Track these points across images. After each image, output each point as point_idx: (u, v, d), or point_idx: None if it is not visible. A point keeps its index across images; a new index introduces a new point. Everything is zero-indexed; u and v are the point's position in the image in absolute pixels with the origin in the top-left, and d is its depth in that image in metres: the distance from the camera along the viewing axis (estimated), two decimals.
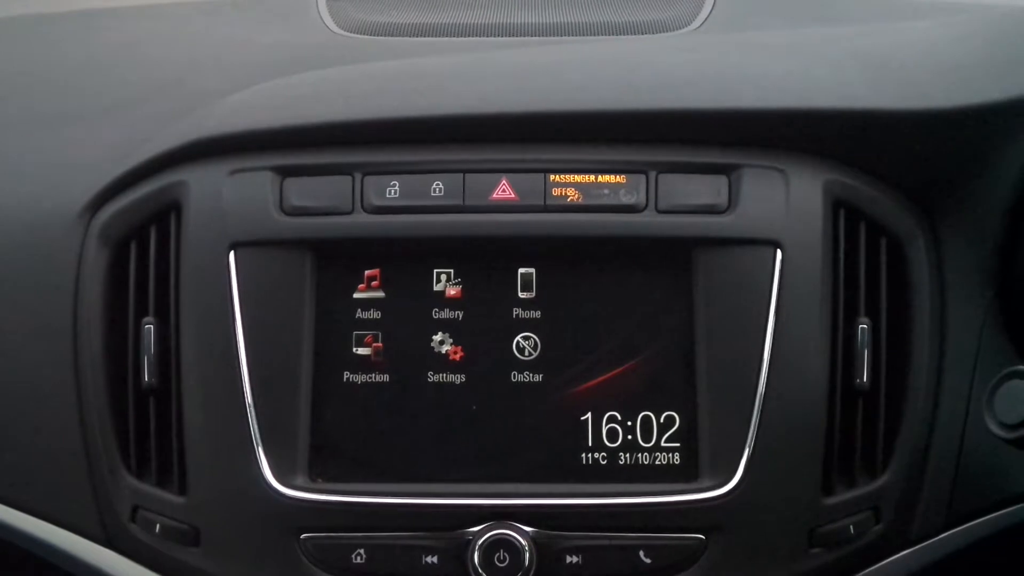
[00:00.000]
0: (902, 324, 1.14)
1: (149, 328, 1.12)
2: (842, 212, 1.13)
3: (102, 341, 1.13)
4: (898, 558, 1.15)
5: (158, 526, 1.11)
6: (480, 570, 1.06)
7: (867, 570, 1.15)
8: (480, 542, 1.07)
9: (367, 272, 1.12)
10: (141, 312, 1.13)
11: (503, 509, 1.08)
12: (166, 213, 1.13)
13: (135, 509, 1.13)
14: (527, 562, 1.06)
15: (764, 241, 1.10)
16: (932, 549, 1.15)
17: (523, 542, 1.06)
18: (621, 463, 1.10)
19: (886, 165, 1.14)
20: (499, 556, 1.06)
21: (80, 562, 1.15)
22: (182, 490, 1.11)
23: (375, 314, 1.11)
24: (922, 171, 1.14)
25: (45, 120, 1.22)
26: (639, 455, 1.10)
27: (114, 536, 1.15)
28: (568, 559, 1.07)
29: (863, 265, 1.13)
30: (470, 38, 1.27)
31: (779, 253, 1.09)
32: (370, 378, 1.11)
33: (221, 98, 1.16)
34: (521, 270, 1.12)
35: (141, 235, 1.14)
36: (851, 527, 1.11)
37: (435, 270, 1.12)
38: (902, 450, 1.13)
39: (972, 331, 1.15)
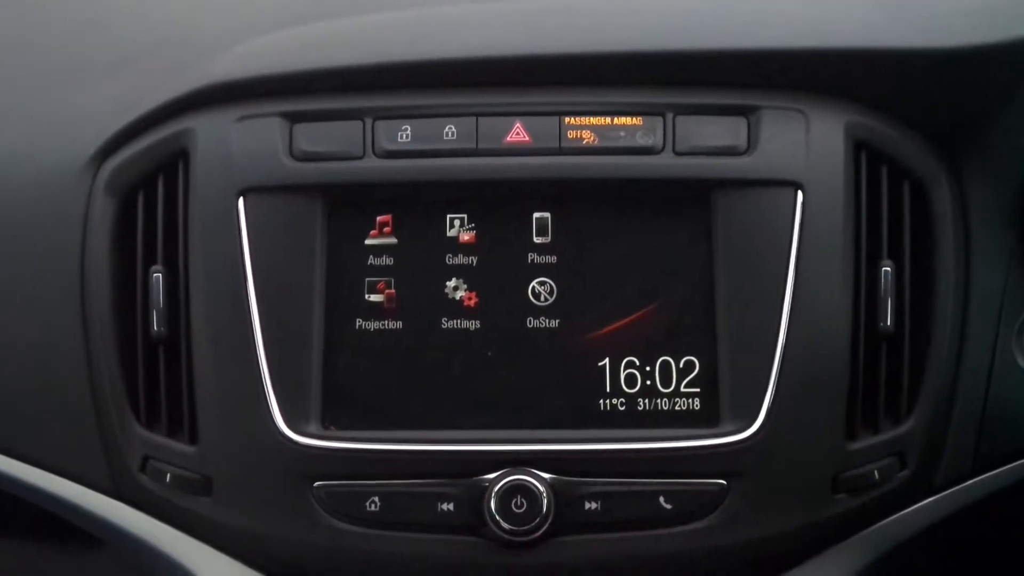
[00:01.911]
0: (926, 267, 1.12)
1: (158, 277, 1.10)
2: (864, 154, 1.11)
3: (110, 291, 1.11)
4: (924, 505, 1.13)
5: (168, 476, 1.10)
6: (497, 517, 1.04)
7: (892, 517, 1.13)
8: (497, 488, 1.04)
9: (379, 218, 1.10)
10: (149, 261, 1.11)
11: (520, 455, 1.06)
12: (173, 161, 1.12)
13: (145, 460, 1.11)
14: (545, 508, 1.04)
15: (785, 182, 1.07)
16: (958, 496, 1.13)
17: (541, 488, 1.04)
18: (640, 409, 1.08)
19: (908, 106, 1.12)
20: (516, 502, 1.04)
21: (89, 514, 1.14)
22: (193, 440, 1.10)
23: (387, 260, 1.09)
24: (945, 112, 1.12)
25: (51, 76, 1.21)
26: (658, 401, 1.08)
27: (123, 487, 1.13)
28: (587, 505, 1.05)
29: (886, 208, 1.11)
30: None
31: (800, 195, 1.07)
32: (383, 325, 1.09)
33: (228, 49, 1.14)
34: (536, 214, 1.09)
35: (148, 185, 1.12)
36: (875, 473, 1.09)
37: (448, 215, 1.10)
38: (927, 395, 1.10)
39: (997, 273, 1.13)
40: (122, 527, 1.14)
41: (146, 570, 1.18)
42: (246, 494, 1.08)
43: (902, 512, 1.13)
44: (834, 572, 1.12)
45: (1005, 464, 1.13)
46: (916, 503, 1.13)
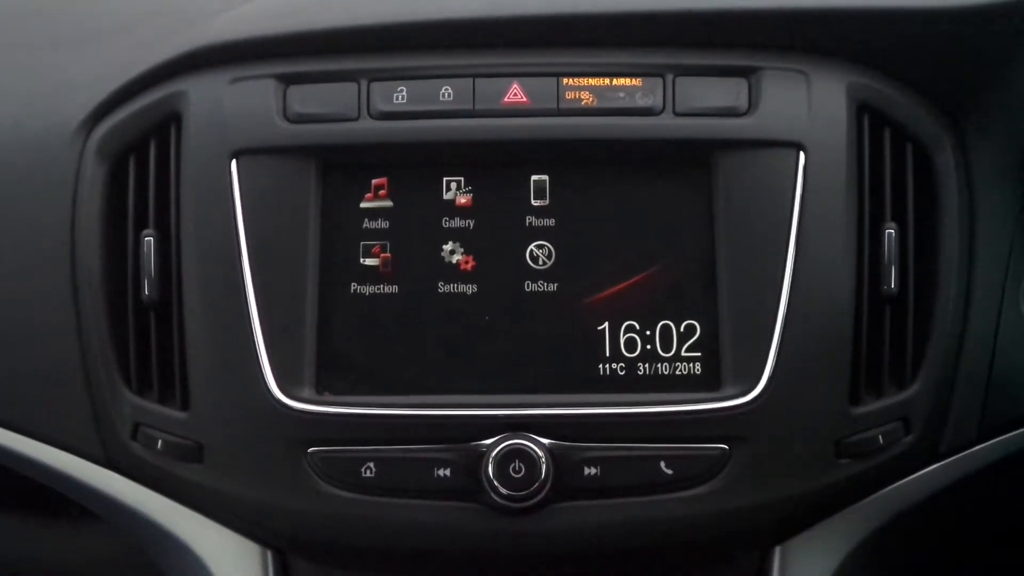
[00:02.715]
0: (930, 230, 1.10)
1: (149, 241, 1.08)
2: (866, 117, 1.09)
3: (101, 256, 1.10)
4: (929, 471, 1.11)
5: (160, 442, 1.08)
6: (495, 482, 1.02)
7: (897, 483, 1.11)
8: (494, 453, 1.02)
9: (374, 181, 1.08)
10: (140, 225, 1.10)
11: (518, 420, 1.04)
12: (165, 125, 1.10)
13: (136, 427, 1.09)
14: (543, 474, 1.02)
15: (786, 143, 1.06)
16: (964, 462, 1.11)
17: (539, 453, 1.02)
18: (640, 373, 1.06)
19: (911, 68, 1.10)
20: (514, 467, 1.02)
21: (79, 484, 1.12)
22: (184, 406, 1.08)
23: (383, 224, 1.08)
24: (947, 74, 1.11)
25: (42, 44, 1.19)
26: (659, 365, 1.06)
27: (114, 456, 1.11)
28: (586, 470, 1.03)
29: (889, 170, 1.09)
30: None
31: (802, 156, 1.06)
32: (378, 289, 1.07)
33: (221, 12, 1.13)
34: (534, 177, 1.08)
35: (140, 149, 1.11)
36: (880, 437, 1.07)
37: (444, 178, 1.08)
38: (931, 359, 1.09)
39: (1002, 237, 1.12)
40: (113, 497, 1.12)
41: (137, 541, 1.16)
42: (238, 460, 1.07)
43: (907, 478, 1.11)
44: (838, 539, 1.11)
45: (1011, 431, 1.11)
46: (921, 469, 1.11)
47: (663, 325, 1.06)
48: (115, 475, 1.11)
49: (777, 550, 1.11)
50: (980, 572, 1.32)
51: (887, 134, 1.10)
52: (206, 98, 1.08)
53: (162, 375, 1.09)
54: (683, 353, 1.06)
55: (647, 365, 1.06)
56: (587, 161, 1.08)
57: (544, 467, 1.02)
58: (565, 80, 1.07)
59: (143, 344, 1.09)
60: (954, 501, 1.13)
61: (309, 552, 1.12)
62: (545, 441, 1.03)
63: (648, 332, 1.06)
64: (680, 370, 1.06)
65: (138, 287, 1.09)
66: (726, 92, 1.07)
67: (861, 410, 1.07)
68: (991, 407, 1.11)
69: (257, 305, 1.05)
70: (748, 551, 1.12)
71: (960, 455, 1.11)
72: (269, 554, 1.12)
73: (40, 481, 1.15)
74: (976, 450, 1.11)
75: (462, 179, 1.08)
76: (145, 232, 1.09)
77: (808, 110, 1.07)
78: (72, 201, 1.11)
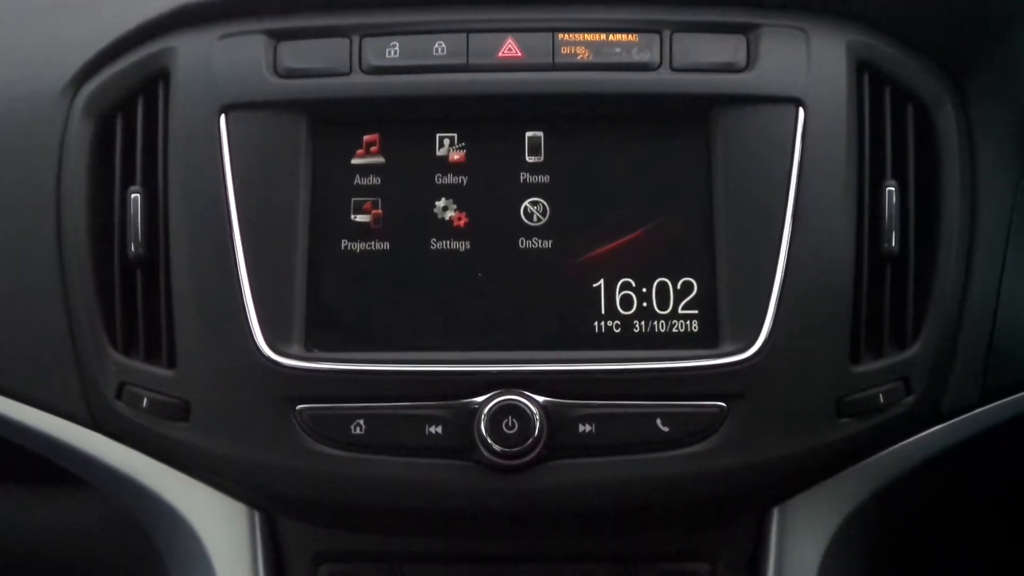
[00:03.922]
0: (931, 190, 1.09)
1: (136, 197, 1.07)
2: (866, 75, 1.08)
3: (87, 213, 1.08)
4: (930, 433, 1.09)
5: (145, 400, 1.06)
6: (487, 438, 1.00)
7: (898, 445, 1.09)
8: (487, 410, 1.00)
9: (366, 137, 1.06)
10: (128, 181, 1.08)
11: (511, 376, 1.02)
12: (153, 82, 1.09)
13: (121, 386, 1.07)
14: (537, 430, 1.00)
15: (786, 99, 1.05)
16: (965, 424, 1.10)
17: (533, 409, 1.00)
18: (636, 331, 1.04)
19: (911, 27, 1.09)
20: (507, 423, 1.00)
21: (63, 445, 1.10)
22: (171, 363, 1.06)
23: (374, 180, 1.06)
24: (949, 34, 1.09)
25: (29, 7, 1.17)
26: (655, 323, 1.04)
27: (99, 416, 1.09)
28: (581, 428, 1.01)
29: (889, 128, 1.08)
30: None
31: (801, 112, 1.04)
32: (369, 246, 1.05)
33: None
34: (528, 133, 1.06)
35: (128, 106, 1.09)
36: (880, 396, 1.05)
37: (438, 134, 1.06)
38: (933, 319, 1.07)
39: (1005, 199, 1.10)
40: (98, 458, 1.10)
41: (123, 505, 1.14)
42: (225, 418, 1.05)
43: (908, 440, 1.09)
44: (838, 500, 1.09)
45: (1013, 394, 1.10)
46: (922, 431, 1.09)
47: (659, 282, 1.05)
48: (100, 436, 1.09)
49: (775, 511, 1.09)
50: (980, 537, 1.31)
51: (887, 93, 1.08)
52: (195, 54, 1.07)
53: (148, 333, 1.07)
54: (680, 311, 1.04)
55: (643, 323, 1.04)
56: (583, 117, 1.06)
57: (538, 424, 1.00)
58: (560, 35, 1.06)
59: (129, 302, 1.07)
60: (955, 464, 1.11)
61: (297, 512, 1.10)
62: (539, 398, 1.01)
63: (644, 290, 1.05)
64: (677, 328, 1.04)
65: (124, 245, 1.07)
66: (724, 48, 1.06)
67: (861, 369, 1.05)
68: (993, 370, 1.09)
69: (245, 261, 1.03)
70: (746, 512, 1.10)
71: (961, 417, 1.10)
72: (257, 515, 1.10)
73: (24, 445, 1.13)
74: (977, 412, 1.10)
75: (455, 135, 1.06)
76: (132, 188, 1.07)
77: (807, 67, 1.05)
78: (58, 160, 1.09)
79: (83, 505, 1.22)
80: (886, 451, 1.09)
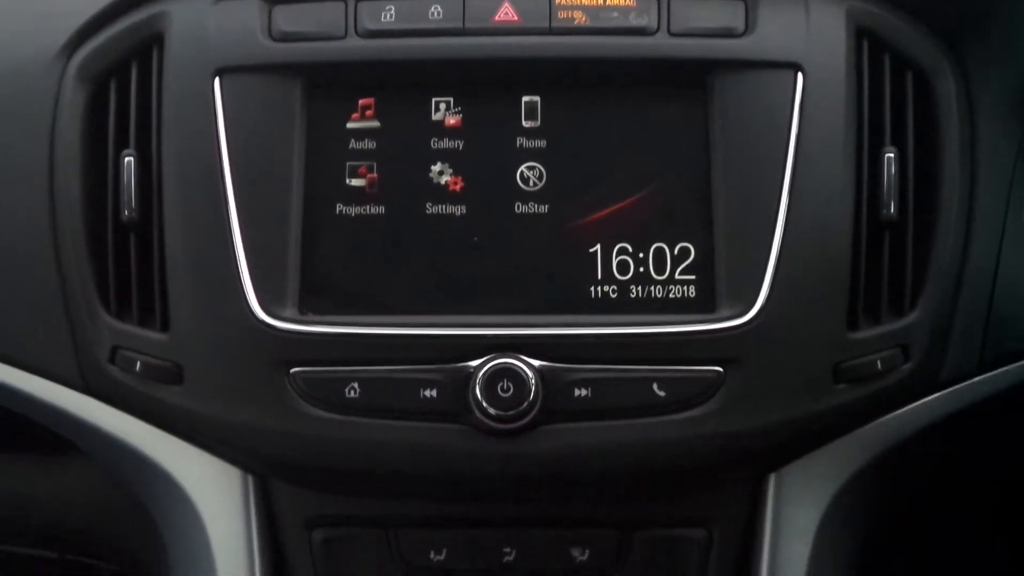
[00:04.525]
0: (930, 156, 1.08)
1: (129, 161, 1.06)
2: (866, 42, 1.07)
3: (80, 177, 1.08)
4: (928, 401, 1.09)
5: (138, 363, 1.05)
6: (482, 402, 0.99)
7: (895, 412, 1.08)
8: (482, 373, 1.00)
9: (361, 101, 1.06)
10: (121, 145, 1.07)
11: (506, 340, 1.01)
12: (147, 46, 1.08)
13: (114, 350, 1.06)
14: (532, 394, 0.99)
15: (784, 64, 1.04)
16: (963, 393, 1.09)
17: (528, 373, 1.00)
18: (632, 296, 1.04)
19: None
20: (502, 386, 0.99)
21: (56, 409, 1.10)
22: (164, 327, 1.05)
23: (370, 144, 1.05)
24: (948, 2, 1.09)
25: None
26: (652, 288, 1.04)
27: (91, 380, 1.08)
28: (576, 392, 1.01)
29: (888, 95, 1.07)
30: None
31: (800, 77, 1.04)
32: (364, 210, 1.05)
33: None
34: (525, 98, 1.06)
35: (121, 71, 1.08)
36: (878, 363, 1.05)
37: (433, 98, 1.06)
38: (931, 287, 1.07)
39: (1004, 165, 1.09)
40: (90, 423, 1.09)
41: (116, 470, 1.14)
42: (219, 381, 1.04)
43: (906, 408, 1.09)
44: (834, 467, 1.09)
45: (1012, 362, 1.09)
46: (920, 399, 1.09)
47: (656, 248, 1.04)
48: (93, 401, 1.09)
49: (772, 477, 1.08)
50: (977, 505, 1.30)
51: (887, 60, 1.07)
52: (189, 18, 1.06)
53: (141, 297, 1.06)
54: (677, 276, 1.04)
55: (640, 288, 1.04)
56: (580, 82, 1.05)
57: (533, 387, 0.99)
58: None
59: (122, 266, 1.07)
60: (953, 433, 1.11)
61: (291, 476, 1.09)
62: (534, 362, 1.00)
63: (641, 255, 1.04)
64: (674, 293, 1.04)
65: (118, 208, 1.06)
66: (722, 13, 1.05)
67: (859, 335, 1.05)
68: (992, 338, 1.08)
69: (239, 224, 1.02)
70: (743, 477, 1.09)
71: (959, 386, 1.09)
72: (250, 479, 1.09)
73: (17, 411, 1.12)
74: (976, 381, 1.09)
75: (451, 99, 1.05)
76: (125, 152, 1.06)
77: (806, 32, 1.04)
78: (51, 126, 1.08)
79: (79, 474, 1.22)
80: (884, 418, 1.08)
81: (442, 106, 1.05)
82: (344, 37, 1.04)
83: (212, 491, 1.09)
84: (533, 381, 0.99)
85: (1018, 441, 1.18)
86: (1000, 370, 1.09)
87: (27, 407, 1.11)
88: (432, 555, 1.09)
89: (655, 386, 1.01)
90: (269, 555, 1.09)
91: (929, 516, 1.28)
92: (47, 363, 1.09)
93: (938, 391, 1.09)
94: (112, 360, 1.07)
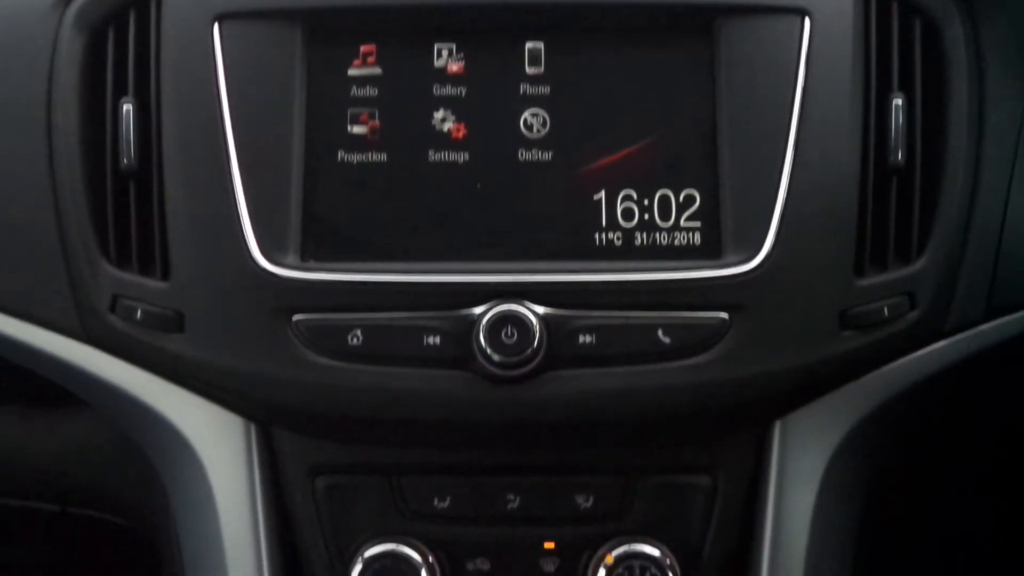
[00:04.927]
0: (938, 103, 1.07)
1: (128, 109, 1.05)
2: None
3: (78, 126, 1.06)
4: (934, 349, 1.08)
5: (139, 312, 1.04)
6: (486, 349, 0.99)
7: (901, 360, 1.08)
8: (486, 319, 0.99)
9: (362, 47, 1.04)
10: (119, 93, 1.06)
11: (510, 287, 1.00)
12: None
13: (114, 299, 1.05)
14: (536, 341, 0.99)
15: (791, 9, 1.03)
16: (970, 341, 1.08)
17: (532, 319, 0.99)
18: (637, 243, 1.03)
19: None
20: (506, 332, 0.98)
21: (57, 360, 1.09)
22: (165, 275, 1.04)
23: (371, 91, 1.04)
24: None
25: None
26: (657, 235, 1.03)
27: (92, 330, 1.07)
28: (581, 338, 1.00)
29: (896, 41, 1.06)
30: None
31: (807, 22, 1.02)
32: (366, 157, 1.04)
33: None
34: (528, 44, 1.04)
35: (119, 19, 1.07)
36: (885, 310, 1.04)
37: (436, 44, 1.04)
38: (938, 234, 1.06)
39: (1013, 113, 1.08)
40: (92, 372, 1.08)
41: (118, 421, 1.13)
42: (220, 329, 1.03)
43: (912, 356, 1.08)
44: (840, 415, 1.08)
45: (1018, 311, 1.08)
46: (926, 347, 1.08)
47: (661, 194, 1.03)
48: (94, 351, 1.08)
49: (777, 424, 1.08)
50: (981, 454, 1.30)
51: (894, 5, 1.06)
52: None
53: (141, 245, 1.05)
54: (682, 223, 1.03)
55: (645, 235, 1.03)
56: (584, 28, 1.04)
57: (537, 334, 0.99)
58: None
59: (122, 215, 1.06)
60: (959, 381, 1.10)
61: (293, 423, 1.08)
62: (539, 308, 1.00)
63: (646, 201, 1.03)
64: (679, 240, 1.03)
65: (117, 157, 1.05)
66: None
67: (865, 282, 1.04)
68: (999, 286, 1.08)
69: (240, 171, 1.01)
70: (748, 425, 1.09)
71: (966, 334, 1.08)
72: (252, 427, 1.09)
73: (16, 361, 1.11)
74: (982, 329, 1.08)
75: (454, 45, 1.04)
76: (124, 100, 1.05)
77: None
78: (49, 74, 1.07)
79: (81, 427, 1.21)
80: (889, 366, 1.08)
81: (444, 52, 1.04)
82: None
83: (214, 439, 1.08)
84: (537, 328, 0.99)
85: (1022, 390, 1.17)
86: (1006, 318, 1.08)
87: (27, 358, 1.10)
88: (436, 502, 1.08)
89: (660, 332, 1.00)
90: (272, 503, 1.09)
91: (934, 463, 1.28)
92: (47, 313, 1.08)
93: (944, 339, 1.08)
94: (112, 309, 1.06)
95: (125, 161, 1.04)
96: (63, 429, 1.23)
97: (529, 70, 1.04)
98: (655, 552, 1.07)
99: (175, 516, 1.12)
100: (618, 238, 1.03)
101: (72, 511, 1.36)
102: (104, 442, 1.20)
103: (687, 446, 1.09)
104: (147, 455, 1.13)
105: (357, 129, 1.04)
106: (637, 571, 1.06)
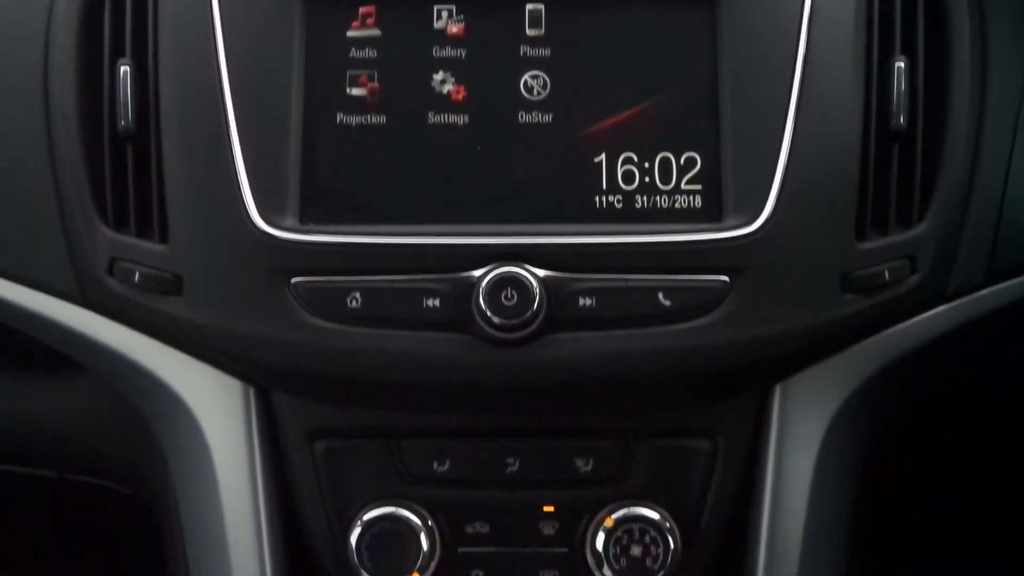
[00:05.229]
0: (941, 66, 1.06)
1: (125, 70, 1.04)
2: None
3: (75, 88, 1.06)
4: (935, 313, 1.08)
5: (137, 275, 1.03)
6: (486, 311, 0.98)
7: (902, 324, 1.08)
8: (486, 281, 0.98)
9: (361, 8, 1.03)
10: (116, 55, 1.05)
11: (510, 249, 1.00)
12: None
13: (112, 262, 1.05)
14: (536, 303, 0.98)
15: None
16: (971, 306, 1.08)
17: (532, 281, 0.98)
18: (638, 206, 1.02)
19: None
20: (506, 294, 0.98)
21: (55, 324, 1.08)
22: (163, 238, 1.04)
23: (370, 53, 1.03)
24: None
25: None
26: (657, 197, 1.02)
27: (90, 293, 1.07)
28: (581, 301, 0.99)
29: (899, 4, 1.05)
30: None
31: None
32: (365, 120, 1.03)
33: None
34: (529, 5, 1.04)
35: None
36: (886, 273, 1.03)
37: (435, 6, 1.04)
38: (939, 198, 1.05)
39: (1015, 75, 1.08)
40: (89, 336, 1.08)
41: (117, 386, 1.13)
42: (218, 291, 1.02)
43: (912, 320, 1.07)
44: (840, 379, 1.08)
45: (1020, 275, 1.08)
46: (927, 311, 1.08)
47: (662, 157, 1.03)
48: (91, 314, 1.07)
49: (778, 388, 1.08)
50: (980, 420, 1.30)
51: None
52: None
53: (139, 208, 1.05)
54: (683, 186, 1.02)
55: (645, 197, 1.02)
56: None
57: (537, 296, 0.98)
58: None
59: (119, 177, 1.05)
60: (959, 346, 1.10)
61: (292, 387, 1.08)
62: (539, 271, 0.99)
63: (647, 164, 1.02)
64: (680, 203, 1.02)
65: (114, 119, 1.04)
66: None
67: (867, 246, 1.03)
68: (1000, 251, 1.07)
69: (238, 133, 1.00)
70: (748, 388, 1.08)
71: (967, 298, 1.08)
72: (251, 391, 1.08)
73: (14, 326, 1.11)
74: (983, 294, 1.08)
75: (453, 7, 1.04)
76: (121, 61, 1.04)
77: None
78: (45, 36, 1.07)
79: (79, 392, 1.21)
80: (890, 330, 1.07)
81: (444, 14, 1.04)
82: None
83: (213, 403, 1.08)
84: (537, 290, 0.98)
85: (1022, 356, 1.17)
86: (1008, 283, 1.08)
87: (25, 322, 1.10)
88: (435, 466, 1.08)
89: (660, 295, 1.00)
90: (270, 467, 1.08)
91: (933, 427, 1.28)
92: (45, 276, 1.07)
93: (945, 303, 1.08)
94: (110, 272, 1.05)
95: (122, 124, 1.04)
96: (60, 394, 1.23)
97: (529, 32, 1.03)
98: (655, 515, 1.07)
99: (173, 481, 1.12)
100: (618, 201, 1.02)
101: (69, 477, 1.36)
102: (102, 407, 1.19)
103: (687, 410, 1.09)
104: (145, 420, 1.13)
105: (356, 91, 1.03)
106: (636, 534, 1.06)
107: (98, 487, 1.33)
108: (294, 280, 1.00)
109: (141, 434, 1.13)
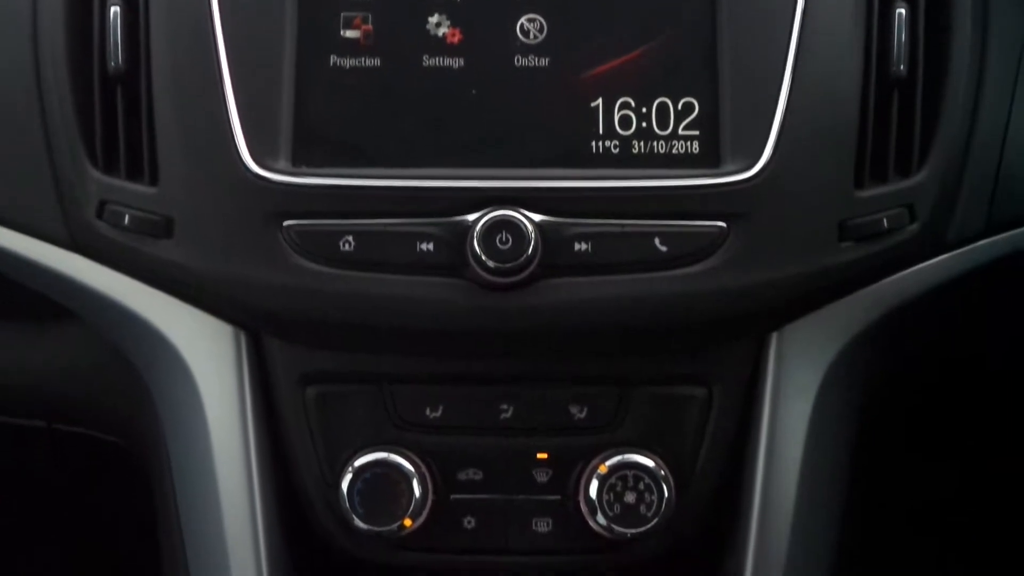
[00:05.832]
0: (942, 14, 1.05)
1: (115, 10, 1.02)
2: None
3: (64, 29, 1.04)
4: (934, 263, 1.07)
5: (127, 218, 1.02)
6: (480, 255, 0.97)
7: (901, 273, 1.07)
8: (480, 225, 0.97)
9: None
10: None
11: (506, 193, 0.98)
12: None
13: (102, 205, 1.04)
14: (531, 248, 0.97)
15: None
16: (969, 256, 1.07)
17: (528, 225, 0.97)
18: (635, 152, 1.01)
19: None
20: (501, 238, 0.97)
21: (43, 268, 1.07)
22: (153, 180, 1.02)
23: None
24: None
25: None
26: (654, 143, 1.01)
27: (79, 237, 1.06)
28: (577, 246, 0.98)
29: None
30: None
31: None
32: (359, 62, 1.01)
33: None
34: None
35: None
36: (884, 221, 1.02)
37: None
38: (939, 146, 1.04)
39: (1016, 22, 1.07)
40: (78, 280, 1.07)
41: (107, 332, 1.12)
42: (210, 234, 1.01)
43: (911, 269, 1.07)
44: (837, 327, 1.07)
45: (1020, 226, 1.07)
46: (926, 260, 1.07)
47: (660, 102, 1.01)
48: (80, 258, 1.06)
49: (774, 336, 1.07)
50: (975, 371, 1.29)
51: None
52: None
53: (130, 151, 1.03)
54: (680, 131, 1.01)
55: (642, 143, 1.01)
56: None
57: (532, 240, 0.97)
58: None
59: (110, 119, 1.04)
60: (957, 295, 1.09)
61: (284, 331, 1.07)
62: (534, 216, 0.98)
63: (644, 109, 1.01)
64: (677, 148, 1.01)
65: (104, 60, 1.03)
66: None
67: (865, 193, 1.02)
68: (999, 200, 1.07)
69: (230, 74, 0.99)
70: (744, 336, 1.08)
71: (966, 248, 1.07)
72: (242, 335, 1.07)
73: (3, 271, 1.10)
74: (982, 244, 1.07)
75: None
76: (111, 0, 1.03)
77: None
78: None
79: (68, 341, 1.20)
80: (888, 279, 1.06)
81: None
82: None
83: (203, 348, 1.07)
84: (532, 234, 0.97)
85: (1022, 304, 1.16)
86: (1007, 233, 1.07)
87: (13, 267, 1.09)
88: (428, 412, 1.07)
89: (657, 241, 0.99)
90: (262, 412, 1.08)
91: (929, 377, 1.28)
92: (33, 220, 1.06)
93: (944, 253, 1.07)
94: (100, 215, 1.04)
95: (112, 65, 1.02)
96: (49, 343, 1.21)
97: None
98: (649, 462, 1.06)
99: (164, 429, 1.11)
100: (615, 146, 1.01)
101: (59, 428, 1.35)
102: (92, 356, 1.18)
103: (682, 357, 1.08)
104: (135, 366, 1.12)
105: (350, 33, 1.02)
106: (631, 481, 1.06)
107: (88, 436, 1.32)
108: (286, 223, 0.99)
109: (131, 382, 1.12)
